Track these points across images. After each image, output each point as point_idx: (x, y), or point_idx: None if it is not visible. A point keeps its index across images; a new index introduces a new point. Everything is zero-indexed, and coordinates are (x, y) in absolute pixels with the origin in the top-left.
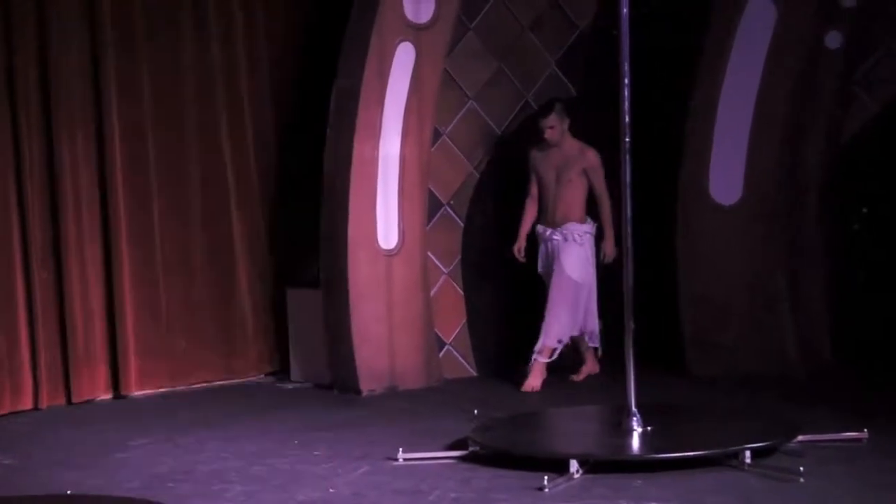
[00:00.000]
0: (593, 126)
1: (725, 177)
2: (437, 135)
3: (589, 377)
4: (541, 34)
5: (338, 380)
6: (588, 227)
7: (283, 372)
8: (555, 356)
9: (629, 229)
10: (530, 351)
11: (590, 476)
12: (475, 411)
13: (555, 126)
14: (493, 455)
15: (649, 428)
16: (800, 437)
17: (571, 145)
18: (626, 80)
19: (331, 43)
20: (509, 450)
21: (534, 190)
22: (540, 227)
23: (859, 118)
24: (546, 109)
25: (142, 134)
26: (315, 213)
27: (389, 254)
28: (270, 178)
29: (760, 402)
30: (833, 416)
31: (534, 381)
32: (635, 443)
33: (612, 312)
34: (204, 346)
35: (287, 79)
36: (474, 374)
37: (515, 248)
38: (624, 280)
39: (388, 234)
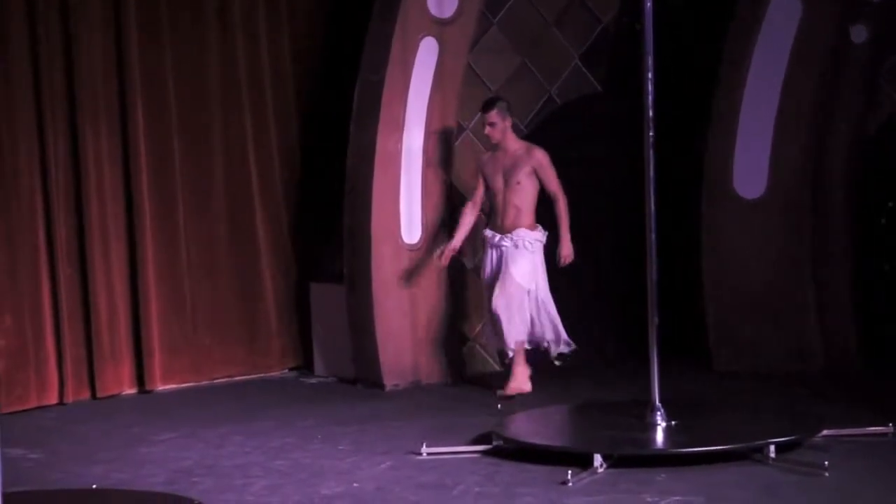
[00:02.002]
0: (617, 121)
1: (749, 171)
2: (460, 130)
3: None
4: (564, 29)
5: (361, 374)
6: (539, 235)
7: (306, 367)
8: (524, 356)
9: (653, 224)
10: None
11: (614, 470)
12: (499, 406)
13: (495, 123)
14: (516, 449)
15: (673, 423)
16: (824, 432)
17: (517, 146)
18: (650, 75)
19: (354, 38)
20: (533, 444)
21: (477, 196)
22: (489, 233)
23: (885, 112)
24: (488, 105)
25: (166, 130)
26: (338, 208)
27: (412, 248)
28: (294, 174)
29: (784, 397)
30: (857, 411)
31: (517, 383)
32: (659, 437)
33: (636, 307)
34: (228, 342)
35: (311, 74)
36: (498, 368)
37: (447, 248)
38: (648, 274)
39: (411, 228)
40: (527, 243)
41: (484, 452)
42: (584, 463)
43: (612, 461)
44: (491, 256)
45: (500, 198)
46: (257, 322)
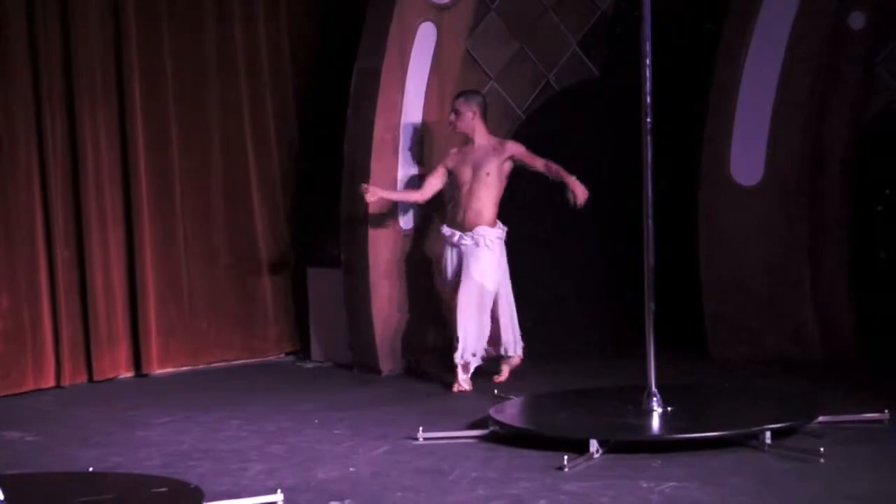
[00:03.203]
0: (614, 107)
1: (747, 158)
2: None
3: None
4: (563, 14)
5: (358, 359)
6: (499, 232)
7: (303, 351)
8: (471, 370)
9: (650, 210)
10: (548, 331)
11: (610, 456)
12: (495, 391)
13: (460, 111)
14: (513, 435)
15: (669, 408)
16: (820, 418)
17: (489, 140)
18: (648, 61)
19: (352, 22)
20: (529, 429)
21: (427, 185)
22: (447, 230)
23: (883, 98)
24: (457, 94)
25: (163, 114)
26: (336, 193)
27: (409, 234)
28: (291, 158)
29: (781, 384)
30: (854, 397)
31: (463, 384)
32: (655, 423)
33: (632, 294)
34: (225, 326)
35: (308, 58)
36: (494, 354)
37: (368, 189)
38: (645, 261)
39: (407, 214)
40: (487, 241)
41: (480, 438)
42: (581, 449)
43: (609, 447)
44: (450, 256)
45: (465, 190)
46: (254, 306)
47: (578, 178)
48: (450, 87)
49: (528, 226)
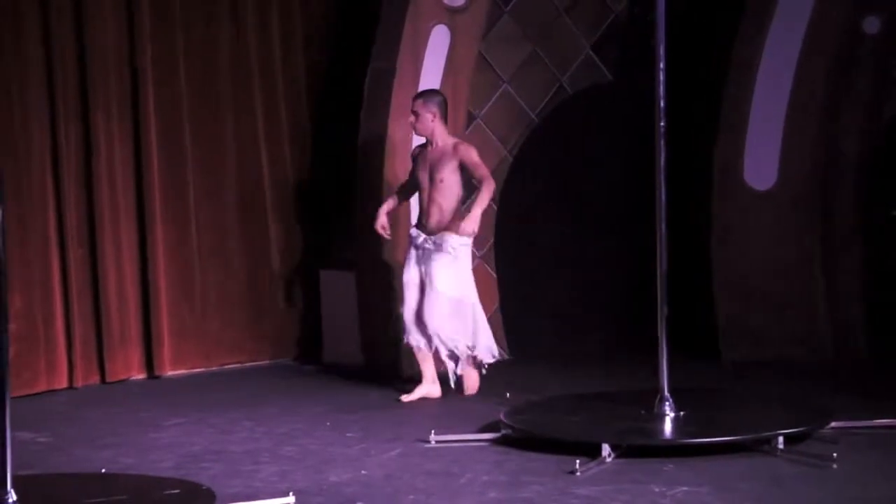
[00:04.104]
0: (628, 110)
1: (760, 162)
2: (470, 118)
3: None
4: (576, 18)
5: (370, 362)
6: (463, 239)
7: (315, 354)
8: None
9: (663, 214)
10: (560, 334)
11: (622, 460)
12: (507, 394)
13: (419, 113)
14: (525, 438)
15: (681, 413)
16: (833, 424)
17: (446, 143)
18: (662, 65)
19: (366, 24)
20: (541, 433)
21: (405, 187)
22: (413, 232)
23: None
24: (417, 95)
25: (177, 115)
26: (348, 195)
27: None
28: (304, 160)
29: (793, 388)
30: (866, 403)
31: (472, 383)
32: (667, 428)
33: (645, 298)
34: (237, 328)
35: (322, 60)
36: (507, 357)
37: (378, 226)
38: (658, 265)
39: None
40: (450, 248)
41: (492, 441)
42: (593, 452)
43: (621, 451)
44: (413, 257)
45: (425, 195)
46: (267, 308)
47: (590, 181)
48: (463, 90)
49: (541, 230)
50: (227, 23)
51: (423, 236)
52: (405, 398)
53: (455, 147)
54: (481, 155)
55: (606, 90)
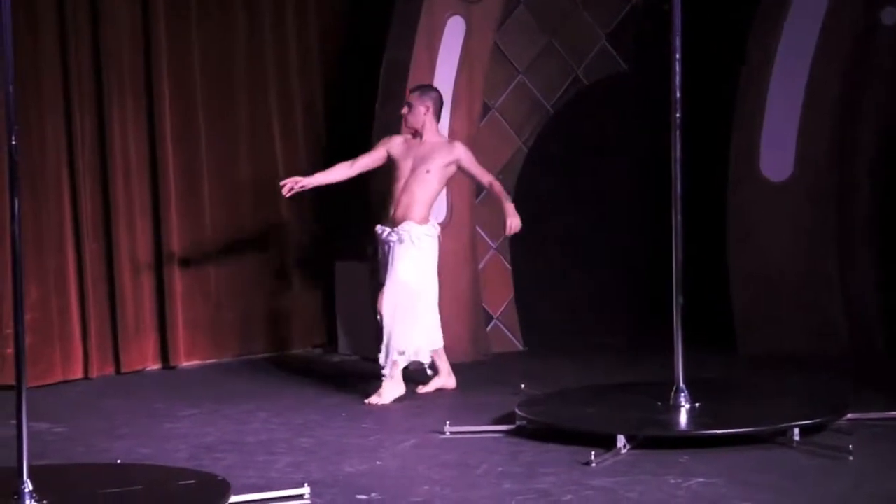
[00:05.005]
0: (643, 101)
1: (776, 154)
2: (486, 109)
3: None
4: (591, 8)
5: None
6: (428, 230)
7: (330, 345)
8: (397, 372)
9: (679, 205)
10: (575, 326)
11: (637, 452)
12: (522, 385)
13: (413, 105)
14: (539, 429)
15: (697, 404)
16: (849, 415)
17: (438, 138)
18: (678, 56)
19: (381, 15)
20: (556, 424)
21: (358, 161)
22: (379, 229)
23: None
24: (414, 88)
25: (192, 108)
26: (363, 186)
27: (440, 226)
28: (319, 151)
29: (809, 380)
30: (882, 395)
31: (383, 395)
32: (683, 419)
33: (660, 290)
34: (252, 319)
35: (337, 51)
36: (521, 348)
37: (296, 180)
38: (673, 256)
39: (436, 208)
40: (413, 238)
41: (507, 432)
42: (608, 444)
43: (636, 442)
44: (383, 255)
45: (400, 184)
46: (282, 299)
47: (605, 173)
48: (479, 81)
49: (556, 222)
50: (241, 14)
51: (387, 230)
52: (421, 389)
53: (451, 144)
54: (497, 147)
55: (622, 81)
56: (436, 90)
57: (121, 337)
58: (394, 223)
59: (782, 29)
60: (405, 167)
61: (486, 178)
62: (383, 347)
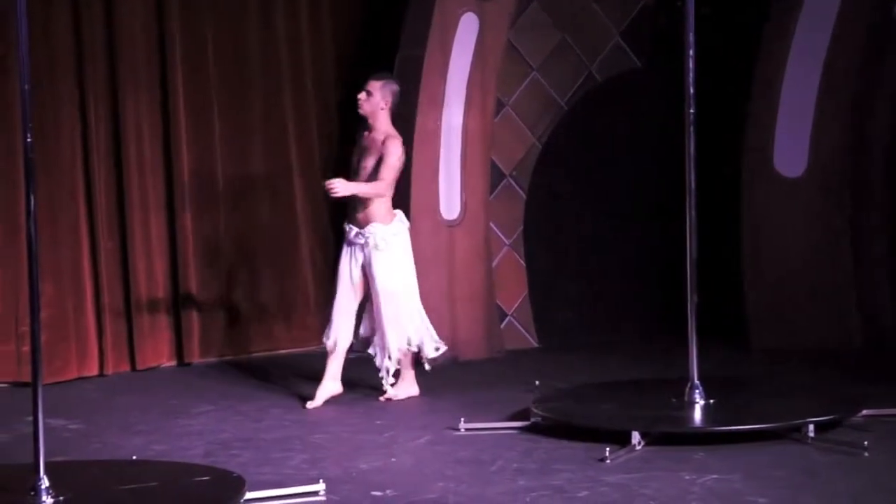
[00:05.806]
0: (657, 98)
1: (790, 149)
2: (499, 106)
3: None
4: (605, 5)
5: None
6: (394, 229)
7: None
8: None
9: (692, 201)
10: (589, 322)
11: (651, 448)
12: (536, 382)
13: (372, 93)
14: (554, 426)
15: (712, 401)
16: (864, 412)
17: (382, 130)
18: (691, 52)
19: (394, 12)
20: (571, 421)
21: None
22: (346, 226)
23: None
24: (376, 75)
25: (207, 104)
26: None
27: (451, 224)
28: (332, 147)
29: (824, 376)
30: None
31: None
32: (697, 415)
33: (674, 286)
34: (266, 315)
35: (350, 47)
36: (535, 345)
37: (340, 183)
38: (688, 252)
39: (450, 204)
40: (379, 240)
41: (522, 429)
42: (622, 440)
43: (651, 439)
44: (348, 253)
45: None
46: (296, 296)
47: (619, 169)
48: (492, 78)
49: (570, 218)
50: (255, 8)
51: (354, 230)
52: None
53: (385, 140)
54: (511, 143)
55: (636, 77)
56: (397, 84)
57: (136, 334)
58: (358, 223)
59: (796, 24)
60: (354, 163)
61: (383, 173)
62: (384, 353)
